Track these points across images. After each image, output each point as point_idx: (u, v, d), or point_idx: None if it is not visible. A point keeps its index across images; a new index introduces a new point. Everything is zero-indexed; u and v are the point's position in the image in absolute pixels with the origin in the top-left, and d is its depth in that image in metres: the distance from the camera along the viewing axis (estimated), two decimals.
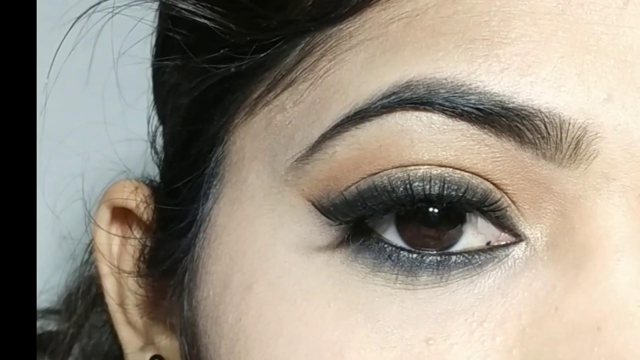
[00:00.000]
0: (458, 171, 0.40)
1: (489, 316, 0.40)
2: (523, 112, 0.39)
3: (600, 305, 0.39)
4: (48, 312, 0.58)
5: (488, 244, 0.41)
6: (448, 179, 0.40)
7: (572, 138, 0.39)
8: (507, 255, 0.41)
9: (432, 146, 0.40)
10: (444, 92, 0.40)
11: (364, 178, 0.41)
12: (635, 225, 0.39)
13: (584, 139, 0.39)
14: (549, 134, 0.39)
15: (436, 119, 0.40)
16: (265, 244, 0.43)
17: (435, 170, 0.40)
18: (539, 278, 0.40)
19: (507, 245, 0.41)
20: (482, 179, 0.40)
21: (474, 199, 0.40)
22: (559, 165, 0.40)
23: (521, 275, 0.40)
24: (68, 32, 0.48)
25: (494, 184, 0.40)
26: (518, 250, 0.41)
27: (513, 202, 0.40)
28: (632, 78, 0.39)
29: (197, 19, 0.45)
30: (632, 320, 0.38)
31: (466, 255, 0.41)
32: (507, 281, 0.40)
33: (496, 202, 0.40)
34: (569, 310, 0.39)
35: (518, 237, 0.41)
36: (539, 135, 0.39)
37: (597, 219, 0.39)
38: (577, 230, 0.40)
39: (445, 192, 0.40)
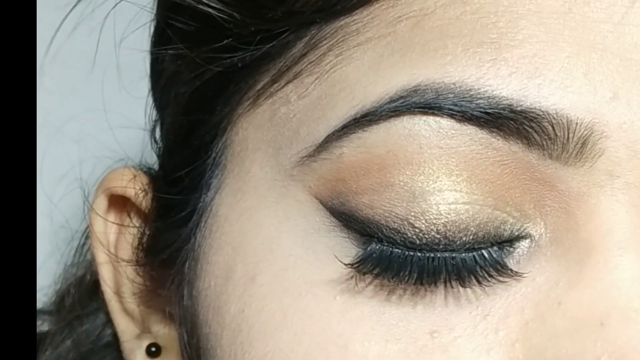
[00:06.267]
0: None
1: (492, 310, 0.40)
2: (531, 114, 0.39)
3: (604, 301, 0.39)
4: (38, 312, 0.57)
5: None
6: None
7: (579, 138, 0.40)
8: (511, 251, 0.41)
9: (440, 152, 0.40)
10: (453, 97, 0.40)
11: (376, 196, 0.40)
12: (638, 222, 0.40)
13: (590, 138, 0.40)
14: (556, 135, 0.40)
15: (445, 124, 0.40)
16: (269, 236, 0.43)
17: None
18: (542, 273, 0.40)
19: (511, 241, 0.41)
20: (492, 210, 0.40)
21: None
22: (564, 164, 0.40)
23: (525, 270, 0.41)
24: (66, 16, 0.48)
25: (502, 203, 0.40)
26: (522, 246, 0.41)
27: (519, 211, 0.40)
28: (637, 76, 0.40)
29: (200, 7, 0.45)
30: (636, 316, 0.39)
31: None
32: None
33: (509, 239, 0.40)
34: (573, 305, 0.40)
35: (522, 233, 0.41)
36: (546, 137, 0.40)
37: (601, 215, 0.40)
38: (580, 227, 0.40)
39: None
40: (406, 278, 0.40)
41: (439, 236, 0.40)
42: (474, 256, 0.40)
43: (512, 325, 0.40)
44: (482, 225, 0.40)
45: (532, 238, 0.41)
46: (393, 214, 0.40)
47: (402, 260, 0.40)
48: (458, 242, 0.40)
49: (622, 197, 0.40)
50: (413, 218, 0.40)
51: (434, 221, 0.40)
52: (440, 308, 0.40)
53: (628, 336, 0.38)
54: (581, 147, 0.40)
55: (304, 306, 0.42)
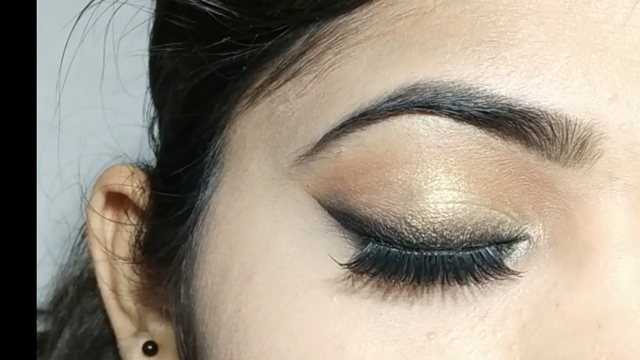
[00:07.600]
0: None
1: (489, 312, 0.40)
2: (530, 114, 0.39)
3: (602, 303, 0.39)
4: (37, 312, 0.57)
5: None
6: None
7: (578, 139, 0.39)
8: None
9: (439, 151, 0.40)
10: (451, 96, 0.40)
11: (374, 194, 0.40)
12: (637, 224, 0.40)
13: (589, 139, 0.39)
14: (555, 135, 0.39)
15: (443, 123, 0.40)
16: (266, 235, 0.43)
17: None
18: (540, 275, 0.40)
19: (509, 242, 0.41)
20: (489, 210, 0.40)
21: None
22: (563, 165, 0.40)
23: (522, 271, 0.41)
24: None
25: (500, 203, 0.40)
26: (520, 247, 0.41)
27: (518, 211, 0.40)
28: (637, 77, 0.40)
29: (199, 5, 0.44)
30: (634, 319, 0.38)
31: None
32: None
33: (508, 239, 0.40)
34: (571, 307, 0.39)
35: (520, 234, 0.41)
36: (544, 137, 0.39)
37: (600, 217, 0.40)
38: (579, 229, 0.40)
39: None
40: (403, 277, 0.40)
41: (435, 235, 0.40)
42: (471, 255, 0.40)
43: (510, 327, 0.40)
44: (479, 225, 0.40)
45: (531, 239, 0.41)
46: (391, 212, 0.40)
47: (399, 259, 0.40)
48: (455, 241, 0.40)
49: (621, 199, 0.40)
50: (410, 217, 0.40)
51: (431, 220, 0.40)
52: (438, 308, 0.40)
53: (626, 338, 0.38)
54: (580, 148, 0.39)
55: (301, 306, 0.41)
